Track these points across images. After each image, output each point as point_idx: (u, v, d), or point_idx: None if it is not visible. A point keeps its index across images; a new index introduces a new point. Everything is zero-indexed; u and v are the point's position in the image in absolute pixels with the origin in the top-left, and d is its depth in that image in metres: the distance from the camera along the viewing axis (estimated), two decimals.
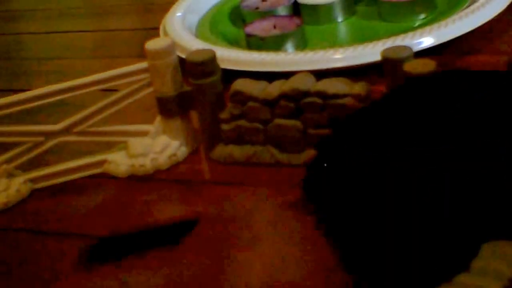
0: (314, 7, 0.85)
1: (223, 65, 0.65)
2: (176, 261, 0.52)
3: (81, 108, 0.65)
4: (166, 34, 0.85)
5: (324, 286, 0.46)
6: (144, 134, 0.65)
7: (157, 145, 0.64)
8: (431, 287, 0.33)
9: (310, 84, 0.59)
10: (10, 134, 0.65)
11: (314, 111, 0.59)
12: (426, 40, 0.71)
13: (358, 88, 0.58)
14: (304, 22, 0.82)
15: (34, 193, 0.64)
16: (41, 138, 0.64)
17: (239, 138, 0.62)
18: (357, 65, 0.71)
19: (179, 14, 0.89)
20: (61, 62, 0.94)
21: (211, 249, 0.53)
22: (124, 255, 0.53)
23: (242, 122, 0.62)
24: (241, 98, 0.61)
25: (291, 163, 0.61)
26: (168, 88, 0.63)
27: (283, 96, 0.59)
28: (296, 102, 0.59)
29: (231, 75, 0.66)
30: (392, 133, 0.32)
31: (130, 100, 0.64)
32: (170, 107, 0.64)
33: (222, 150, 0.63)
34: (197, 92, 0.62)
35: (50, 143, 0.65)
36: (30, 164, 0.65)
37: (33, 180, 0.64)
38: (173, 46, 0.63)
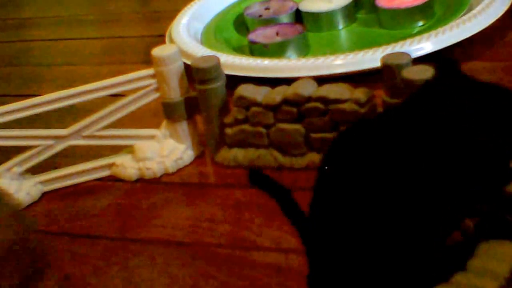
0: (315, 15, 0.86)
1: (227, 71, 0.66)
2: None
3: (89, 113, 0.65)
4: (172, 41, 0.86)
5: None
6: (151, 138, 0.66)
7: (163, 149, 0.65)
8: (429, 287, 0.34)
9: (312, 89, 0.60)
10: (21, 138, 0.65)
11: (316, 115, 0.59)
12: (425, 47, 0.72)
13: (359, 93, 0.58)
14: (306, 29, 0.83)
15: (44, 195, 0.65)
16: (51, 142, 0.65)
17: (243, 142, 0.63)
18: (357, 71, 0.71)
19: (184, 21, 0.90)
20: (70, 68, 0.94)
21: None
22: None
23: (246, 127, 0.62)
24: (245, 103, 0.62)
25: (293, 167, 0.62)
26: (174, 94, 0.64)
27: (286, 101, 0.60)
28: (298, 107, 0.60)
29: (235, 80, 0.67)
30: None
31: (137, 105, 0.65)
32: (176, 112, 0.64)
33: (226, 154, 0.64)
34: (202, 97, 0.63)
35: (60, 147, 0.65)
36: (40, 167, 0.65)
37: (43, 183, 0.65)
38: (179, 52, 0.64)
